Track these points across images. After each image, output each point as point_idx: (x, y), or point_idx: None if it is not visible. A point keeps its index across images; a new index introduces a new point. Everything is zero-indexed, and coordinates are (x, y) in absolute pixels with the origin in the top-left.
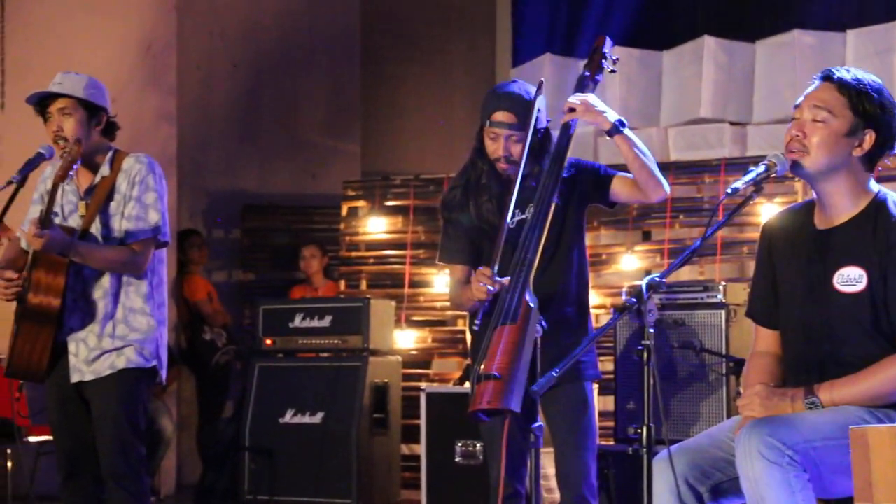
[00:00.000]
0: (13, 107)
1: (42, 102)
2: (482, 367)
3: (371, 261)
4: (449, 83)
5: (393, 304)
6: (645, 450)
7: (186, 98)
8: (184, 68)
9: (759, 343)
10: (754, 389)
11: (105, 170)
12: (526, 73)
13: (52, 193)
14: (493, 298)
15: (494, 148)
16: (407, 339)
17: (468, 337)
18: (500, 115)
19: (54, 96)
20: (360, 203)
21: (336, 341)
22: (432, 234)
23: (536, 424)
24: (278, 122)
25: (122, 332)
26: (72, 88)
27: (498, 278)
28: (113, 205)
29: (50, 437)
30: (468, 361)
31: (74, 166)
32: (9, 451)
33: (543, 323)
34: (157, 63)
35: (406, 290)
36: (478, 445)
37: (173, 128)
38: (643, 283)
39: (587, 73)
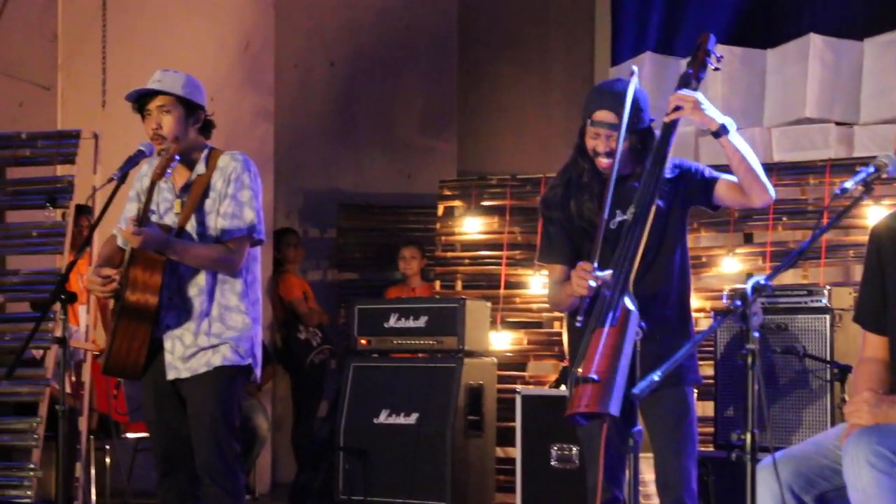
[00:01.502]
0: (114, 105)
1: (141, 99)
2: (580, 369)
3: (466, 261)
4: (547, 82)
5: (488, 305)
6: (748, 457)
7: (284, 97)
8: (281, 67)
9: (867, 349)
10: (862, 396)
11: (201, 168)
12: (625, 72)
13: (150, 191)
14: (594, 295)
15: (594, 145)
16: (502, 341)
17: (565, 339)
18: (601, 114)
19: (153, 93)
20: (456, 203)
21: (431, 342)
22: (529, 235)
23: (635, 429)
24: (375, 121)
25: (217, 330)
26: (171, 86)
27: (599, 273)
28: (208, 202)
29: (147, 434)
30: (565, 363)
31: (172, 164)
32: (107, 447)
33: (643, 325)
34: (255, 62)
35: (502, 291)
36: (574, 449)
37: (270, 127)
38: (748, 285)
39: (690, 71)
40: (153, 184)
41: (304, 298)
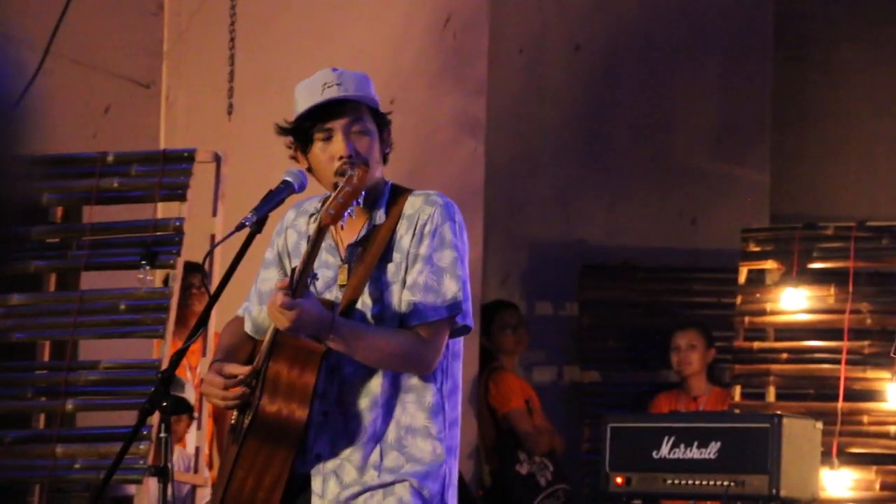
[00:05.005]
0: (245, 112)
1: (315, 114)
2: None
3: (784, 356)
4: None
5: (819, 425)
6: None
7: (501, 99)
8: (499, 54)
9: None
10: None
11: (379, 215)
12: None
13: (316, 243)
14: None
15: None
16: (840, 483)
17: None
18: None
19: (336, 105)
20: (769, 264)
21: (727, 483)
22: (886, 316)
23: None
24: (640, 137)
25: (393, 463)
26: (361, 89)
27: None
28: (390, 268)
29: None
30: None
31: (356, 202)
32: None
33: None
34: (459, 46)
35: (840, 405)
36: None
37: (480, 145)
38: None
39: None
40: (321, 230)
41: (527, 410)
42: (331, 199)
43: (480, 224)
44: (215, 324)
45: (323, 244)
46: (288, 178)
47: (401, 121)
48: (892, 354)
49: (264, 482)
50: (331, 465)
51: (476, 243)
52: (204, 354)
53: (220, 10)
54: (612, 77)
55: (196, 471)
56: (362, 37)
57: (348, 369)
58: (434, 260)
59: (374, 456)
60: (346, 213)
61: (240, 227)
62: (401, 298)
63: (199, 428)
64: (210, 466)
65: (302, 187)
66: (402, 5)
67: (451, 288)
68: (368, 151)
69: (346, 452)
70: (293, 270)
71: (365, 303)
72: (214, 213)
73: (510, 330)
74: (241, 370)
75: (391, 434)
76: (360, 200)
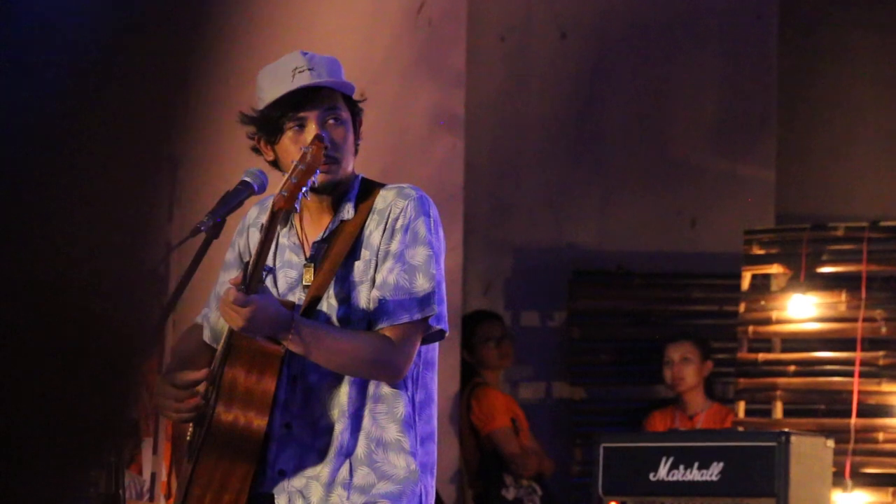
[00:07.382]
0: (201, 109)
1: (284, 103)
2: None
3: (792, 368)
4: None
5: (831, 443)
6: None
7: (481, 91)
8: (479, 42)
9: None
10: None
11: (348, 210)
12: None
13: (269, 231)
14: None
15: None
16: None
17: None
18: None
19: (310, 92)
20: (774, 268)
21: None
22: None
23: None
24: (634, 132)
25: (363, 481)
26: (334, 75)
27: None
28: (359, 265)
29: None
30: None
31: (311, 179)
32: None
33: None
34: (435, 34)
35: (853, 421)
36: None
37: (459, 141)
38: None
39: None
40: (274, 216)
41: (513, 430)
42: (284, 180)
43: (460, 228)
44: (172, 337)
45: (286, 242)
46: (247, 179)
47: (372, 116)
48: None
49: (223, 500)
50: (296, 482)
51: (456, 249)
52: (160, 371)
53: None
54: (602, 67)
55: (152, 498)
56: (329, 26)
57: (313, 377)
58: (406, 257)
59: (343, 472)
60: (300, 195)
61: (195, 231)
62: (369, 298)
63: (154, 452)
64: (168, 496)
65: (262, 188)
66: None
67: (424, 287)
68: (343, 142)
69: (312, 469)
70: (246, 264)
71: (330, 304)
72: (170, 218)
73: (494, 343)
74: (197, 375)
75: (360, 448)
76: (316, 179)
